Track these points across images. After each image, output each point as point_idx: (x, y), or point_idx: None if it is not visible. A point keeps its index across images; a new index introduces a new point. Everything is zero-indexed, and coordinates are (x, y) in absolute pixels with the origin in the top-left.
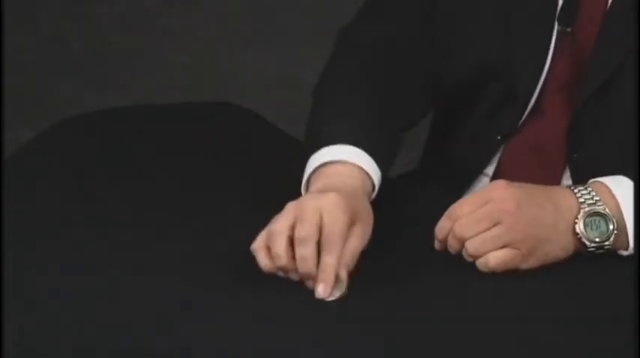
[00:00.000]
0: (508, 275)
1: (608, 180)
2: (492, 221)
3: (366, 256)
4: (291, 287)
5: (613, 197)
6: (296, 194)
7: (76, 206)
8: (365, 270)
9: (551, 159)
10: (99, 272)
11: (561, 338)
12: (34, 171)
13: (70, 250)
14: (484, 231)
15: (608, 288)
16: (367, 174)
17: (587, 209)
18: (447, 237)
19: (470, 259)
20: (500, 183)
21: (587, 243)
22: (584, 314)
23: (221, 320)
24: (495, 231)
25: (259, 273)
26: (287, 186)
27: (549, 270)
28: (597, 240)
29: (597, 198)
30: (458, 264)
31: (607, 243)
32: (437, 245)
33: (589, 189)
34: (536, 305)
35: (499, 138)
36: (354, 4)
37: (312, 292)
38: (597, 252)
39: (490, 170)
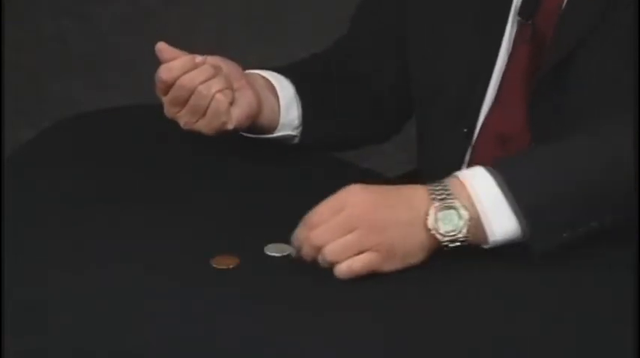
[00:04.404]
0: (507, 276)
1: (462, 173)
2: (349, 228)
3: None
4: (294, 288)
5: (465, 189)
6: (297, 192)
7: (76, 205)
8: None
9: (515, 149)
10: (99, 272)
11: (560, 339)
12: (34, 171)
13: (71, 250)
14: (341, 237)
15: (607, 288)
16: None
17: (437, 204)
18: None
19: (326, 265)
20: (354, 187)
21: (440, 237)
22: (584, 313)
23: (222, 320)
24: (354, 236)
25: (261, 274)
26: (287, 184)
27: (547, 270)
28: (450, 233)
29: (449, 192)
30: (455, 264)
31: (460, 235)
32: (293, 252)
33: (442, 184)
34: (534, 304)
35: (465, 130)
36: (355, 5)
37: (313, 293)
38: (452, 245)
39: (465, 166)
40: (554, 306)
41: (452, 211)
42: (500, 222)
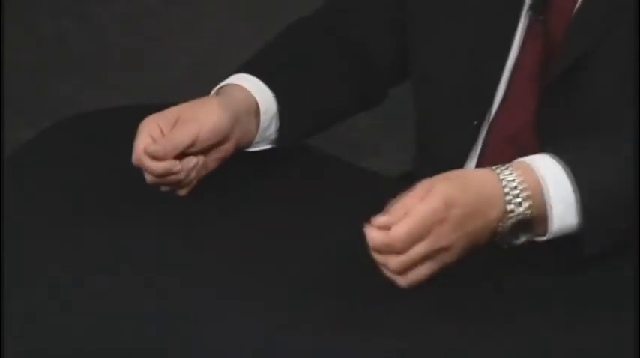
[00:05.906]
0: (506, 276)
1: (534, 163)
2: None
3: (361, 255)
4: (294, 288)
5: (535, 179)
6: (296, 192)
7: (76, 206)
8: (360, 270)
9: (524, 149)
10: (99, 271)
11: (560, 339)
12: (34, 171)
13: (70, 250)
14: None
15: (607, 288)
16: (249, 92)
17: (512, 220)
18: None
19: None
20: (440, 202)
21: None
22: (584, 313)
23: (222, 320)
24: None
25: (262, 274)
26: (286, 184)
27: (547, 270)
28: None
29: (522, 190)
30: (456, 263)
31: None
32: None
33: (516, 182)
34: (534, 304)
35: (475, 123)
36: None
37: (313, 293)
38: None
39: (474, 162)
40: (555, 306)
41: (524, 225)
42: (562, 214)
